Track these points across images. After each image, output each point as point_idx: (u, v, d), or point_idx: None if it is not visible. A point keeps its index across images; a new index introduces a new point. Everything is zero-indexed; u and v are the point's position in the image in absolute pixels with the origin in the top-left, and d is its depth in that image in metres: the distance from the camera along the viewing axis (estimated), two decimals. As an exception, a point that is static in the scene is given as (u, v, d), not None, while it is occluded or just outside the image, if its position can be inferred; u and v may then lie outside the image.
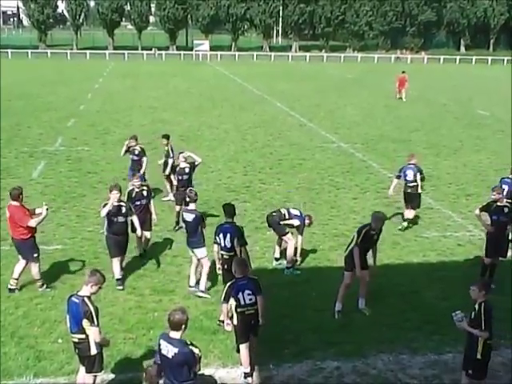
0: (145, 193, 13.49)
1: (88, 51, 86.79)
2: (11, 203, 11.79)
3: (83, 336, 7.95)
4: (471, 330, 8.02)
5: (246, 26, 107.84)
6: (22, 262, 11.90)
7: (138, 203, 13.28)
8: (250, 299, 8.88)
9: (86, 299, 7.92)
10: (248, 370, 9.02)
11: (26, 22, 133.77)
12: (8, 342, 10.00)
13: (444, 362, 9.80)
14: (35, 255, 11.81)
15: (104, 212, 11.89)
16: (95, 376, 8.23)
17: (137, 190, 13.43)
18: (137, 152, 17.49)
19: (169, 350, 6.99)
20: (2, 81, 49.22)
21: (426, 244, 14.95)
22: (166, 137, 17.98)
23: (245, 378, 9.03)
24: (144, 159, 17.40)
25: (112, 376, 9.03)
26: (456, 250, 14.61)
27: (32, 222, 11.65)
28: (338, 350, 9.99)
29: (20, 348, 9.84)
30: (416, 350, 9.99)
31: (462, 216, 17.11)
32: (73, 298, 8.03)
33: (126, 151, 17.79)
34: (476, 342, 8.04)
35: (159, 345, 7.16)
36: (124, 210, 12.11)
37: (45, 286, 11.93)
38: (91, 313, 7.84)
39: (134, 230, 12.53)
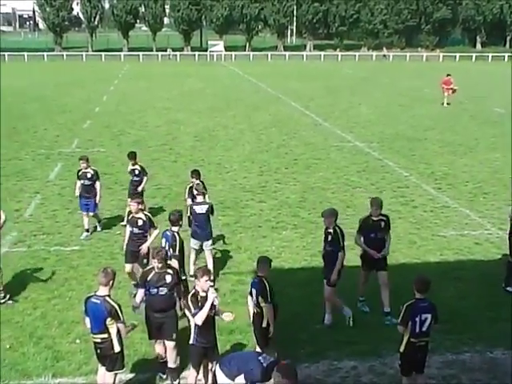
0: (140, 222, 11.67)
1: (103, 53, 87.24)
2: None
3: (106, 335, 8.03)
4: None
5: (260, 26, 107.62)
6: None
7: (131, 230, 11.78)
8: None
9: (107, 298, 8.00)
10: None
11: (41, 25, 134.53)
12: (26, 342, 10.09)
13: (462, 361, 9.74)
14: None
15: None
16: (116, 374, 8.30)
17: (134, 215, 11.81)
18: (137, 172, 15.81)
19: None
20: (18, 83, 49.71)
21: (443, 243, 14.86)
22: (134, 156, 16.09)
23: None
24: (144, 178, 15.82)
25: (129, 376, 9.08)
26: (473, 249, 14.51)
27: None
28: (354, 349, 9.97)
29: (38, 348, 9.92)
30: (433, 349, 9.90)
31: (479, 214, 16.99)
32: (92, 299, 8.09)
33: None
34: None
35: None
36: (141, 222, 11.70)
37: (7, 297, 11.54)
38: (116, 310, 7.96)
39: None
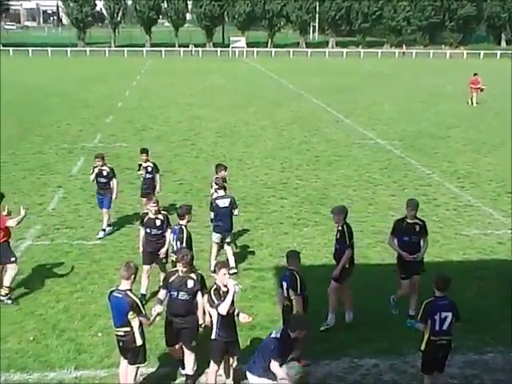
0: (158, 222, 11.46)
1: (126, 49, 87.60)
2: None
3: (128, 329, 8.11)
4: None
5: (282, 23, 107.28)
6: None
7: (148, 231, 11.55)
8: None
9: (128, 292, 8.07)
10: None
11: (65, 20, 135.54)
12: (49, 335, 10.21)
13: (484, 361, 9.67)
14: (12, 259, 11.26)
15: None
16: (138, 368, 8.37)
17: (151, 216, 11.56)
18: (149, 169, 15.54)
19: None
20: (42, 78, 50.17)
21: (466, 242, 14.74)
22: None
23: None
24: (157, 176, 15.62)
25: (151, 370, 9.13)
26: (496, 249, 14.37)
27: (10, 222, 11.15)
28: (374, 347, 9.93)
29: (61, 341, 10.03)
30: (455, 349, 9.79)
31: (503, 214, 16.82)
32: (114, 294, 8.17)
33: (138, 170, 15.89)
34: None
35: None
36: (159, 223, 11.51)
37: (9, 296, 11.33)
38: (137, 304, 8.04)
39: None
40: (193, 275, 8.75)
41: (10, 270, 11.28)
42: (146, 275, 11.52)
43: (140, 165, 15.68)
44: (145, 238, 11.62)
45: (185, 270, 8.68)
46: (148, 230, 11.51)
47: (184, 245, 10.52)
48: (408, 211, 10.81)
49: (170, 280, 8.74)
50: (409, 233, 10.69)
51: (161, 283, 9.64)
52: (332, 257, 12.14)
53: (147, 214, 11.61)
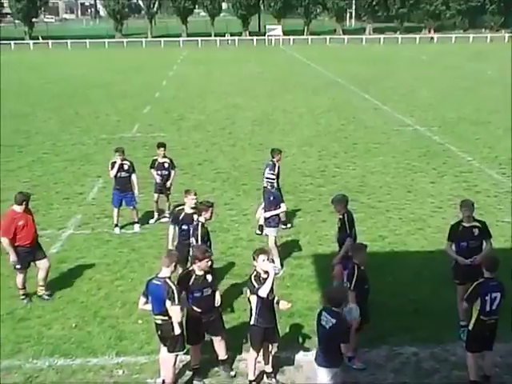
0: (195, 217, 10.62)
1: (162, 39, 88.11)
2: (13, 207, 10.94)
3: (167, 317, 8.15)
4: None
5: (318, 10, 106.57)
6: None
7: (186, 228, 10.83)
8: None
9: (167, 280, 8.11)
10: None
11: (102, 12, 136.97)
12: (91, 322, 10.38)
13: (527, 350, 9.49)
14: (18, 266, 10.95)
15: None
16: (177, 355, 8.43)
17: (188, 211, 10.92)
18: (166, 165, 15.05)
19: (327, 321, 7.59)
20: (80, 70, 50.84)
21: (507, 229, 14.46)
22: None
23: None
24: (173, 172, 15.16)
25: (189, 357, 9.20)
26: (540, 236, 14.07)
27: (4, 240, 10.72)
28: (414, 335, 9.84)
29: (102, 327, 10.19)
30: (497, 337, 9.69)
31: (545, 200, 16.46)
32: (154, 281, 8.22)
33: (152, 166, 15.25)
34: None
35: (319, 315, 7.78)
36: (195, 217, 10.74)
37: (25, 297, 11.14)
38: (173, 293, 8.04)
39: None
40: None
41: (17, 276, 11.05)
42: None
43: (154, 161, 15.11)
44: (178, 237, 11.10)
45: (205, 269, 8.50)
46: (185, 227, 10.85)
47: (199, 242, 10.04)
48: (462, 213, 9.88)
49: (190, 283, 8.46)
50: (465, 238, 9.72)
51: None
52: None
53: (183, 209, 11.04)
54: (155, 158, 15.15)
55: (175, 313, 8.09)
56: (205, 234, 10.19)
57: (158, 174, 15.05)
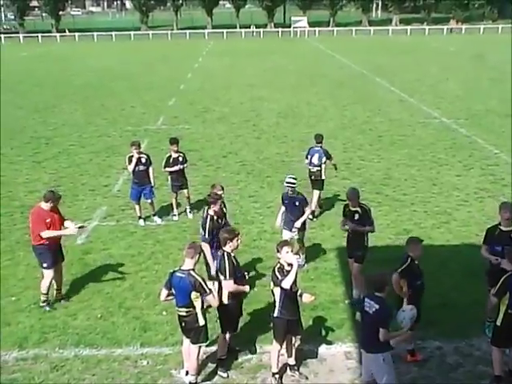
0: (224, 210, 10.81)
1: (188, 31, 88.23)
2: (40, 204, 10.71)
3: (190, 309, 8.19)
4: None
5: (344, 1, 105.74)
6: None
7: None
8: None
9: (191, 272, 8.14)
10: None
11: (128, 4, 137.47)
12: (116, 313, 10.48)
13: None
14: (45, 265, 10.64)
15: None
16: (200, 347, 8.47)
17: (218, 208, 10.67)
18: (181, 159, 14.85)
19: (370, 306, 7.70)
20: (106, 62, 51.17)
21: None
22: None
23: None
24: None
25: (213, 348, 9.23)
26: None
27: (45, 233, 10.44)
28: (439, 329, 9.76)
29: (127, 318, 10.29)
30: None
31: None
32: (177, 274, 8.22)
33: (167, 164, 14.88)
34: None
35: (362, 301, 7.89)
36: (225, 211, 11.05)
37: (46, 303, 10.71)
38: (201, 283, 8.08)
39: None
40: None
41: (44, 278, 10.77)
42: None
43: (169, 157, 14.82)
44: None
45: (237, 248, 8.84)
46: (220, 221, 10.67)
47: (207, 236, 10.21)
48: (501, 215, 9.25)
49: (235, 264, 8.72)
50: (502, 242, 9.10)
51: None
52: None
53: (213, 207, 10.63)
54: (169, 155, 14.90)
55: (210, 301, 8.26)
56: (212, 227, 10.26)
57: (174, 171, 14.78)
